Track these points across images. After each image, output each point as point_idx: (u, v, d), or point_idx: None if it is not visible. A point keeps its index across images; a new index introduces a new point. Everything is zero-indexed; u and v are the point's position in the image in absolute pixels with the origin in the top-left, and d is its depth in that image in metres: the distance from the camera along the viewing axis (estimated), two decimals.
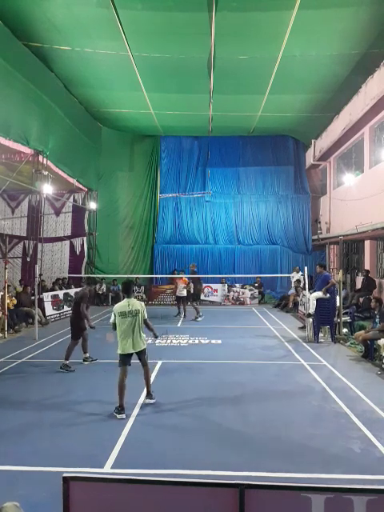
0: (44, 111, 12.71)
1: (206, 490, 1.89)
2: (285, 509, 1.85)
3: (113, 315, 5.71)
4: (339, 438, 4.68)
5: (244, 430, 4.93)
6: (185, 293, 13.61)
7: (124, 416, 5.33)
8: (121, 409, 5.39)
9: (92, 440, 4.64)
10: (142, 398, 5.94)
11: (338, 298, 10.39)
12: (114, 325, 5.69)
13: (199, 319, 13.28)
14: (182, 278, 13.81)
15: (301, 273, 15.66)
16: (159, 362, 7.89)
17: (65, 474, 1.87)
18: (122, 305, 5.71)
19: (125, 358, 5.62)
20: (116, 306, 5.77)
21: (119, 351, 5.64)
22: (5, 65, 10.31)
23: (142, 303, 5.91)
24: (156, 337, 6.24)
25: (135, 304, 5.74)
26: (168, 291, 17.46)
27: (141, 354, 5.76)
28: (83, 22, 10.34)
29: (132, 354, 5.66)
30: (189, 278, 13.78)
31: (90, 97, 15.30)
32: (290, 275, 16.45)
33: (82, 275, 17.39)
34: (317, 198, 20.22)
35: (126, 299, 5.80)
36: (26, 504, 1.61)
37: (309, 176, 20.46)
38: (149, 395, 5.91)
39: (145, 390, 6.01)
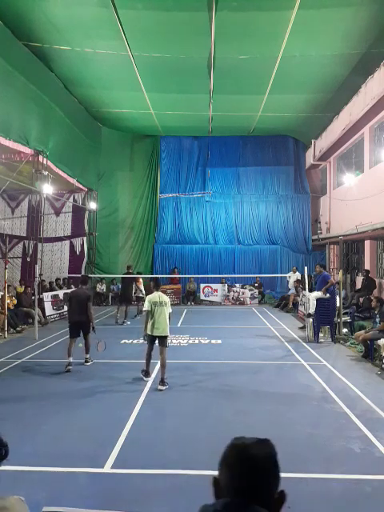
0: (44, 111, 12.70)
1: None
2: None
3: (147, 303, 6.73)
4: (339, 438, 4.68)
5: (244, 430, 4.89)
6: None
7: (150, 378, 6.71)
8: (146, 373, 6.78)
9: (92, 440, 4.63)
10: (143, 398, 5.95)
11: (337, 297, 10.39)
12: (148, 312, 6.68)
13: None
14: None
15: (297, 273, 15.70)
16: (159, 362, 7.87)
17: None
18: (153, 296, 6.80)
19: (151, 338, 6.73)
20: (149, 296, 6.87)
21: (148, 332, 6.70)
22: (5, 65, 10.30)
23: (167, 298, 6.98)
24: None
25: (164, 297, 6.87)
26: (168, 291, 17.48)
27: (162, 339, 6.69)
28: (83, 22, 10.33)
29: (156, 336, 6.66)
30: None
31: (90, 97, 15.29)
32: (287, 275, 16.46)
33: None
34: (317, 198, 20.23)
35: (156, 292, 6.89)
36: (26, 504, 1.61)
37: (309, 176, 20.46)
38: (162, 382, 6.46)
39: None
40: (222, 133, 19.55)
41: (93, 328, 7.89)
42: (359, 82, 12.77)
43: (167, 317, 6.70)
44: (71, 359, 7.52)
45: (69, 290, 14.91)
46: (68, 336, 8.13)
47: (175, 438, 4.69)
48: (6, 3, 9.66)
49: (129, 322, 12.48)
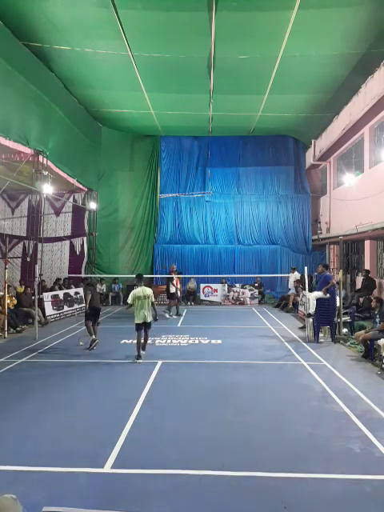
0: (44, 111, 12.70)
1: None
2: None
3: (131, 297, 8.08)
4: (339, 437, 4.68)
5: (244, 430, 4.93)
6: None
7: (141, 361, 7.91)
8: (138, 357, 8.00)
9: (92, 440, 4.63)
10: (143, 398, 5.95)
11: (337, 298, 10.39)
12: (130, 305, 8.14)
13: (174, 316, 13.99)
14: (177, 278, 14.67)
15: (296, 273, 15.72)
16: (159, 362, 7.89)
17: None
18: (137, 290, 8.14)
19: (138, 326, 8.13)
20: (133, 291, 8.16)
21: (135, 321, 8.11)
22: (5, 65, 10.30)
23: (151, 290, 8.26)
24: (155, 320, 8.45)
25: (146, 290, 8.17)
26: None
27: (147, 325, 8.22)
28: (83, 22, 10.33)
29: (143, 323, 8.11)
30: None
31: (90, 97, 15.29)
32: (287, 275, 16.46)
33: (82, 275, 17.39)
34: (317, 198, 20.24)
35: (140, 287, 8.18)
36: (26, 504, 1.59)
37: (309, 176, 20.46)
38: (143, 348, 8.25)
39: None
40: (222, 133, 19.55)
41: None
42: (359, 82, 12.77)
43: (148, 307, 8.13)
44: (94, 336, 9.12)
45: (70, 290, 14.99)
46: (68, 336, 8.21)
47: (175, 438, 4.69)
48: (5, 3, 9.66)
49: (171, 315, 13.85)
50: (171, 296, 14.20)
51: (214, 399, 6.00)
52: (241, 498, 3.53)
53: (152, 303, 8.24)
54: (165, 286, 17.47)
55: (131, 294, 8.18)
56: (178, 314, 14.25)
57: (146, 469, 3.99)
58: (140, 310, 8.07)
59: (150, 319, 8.19)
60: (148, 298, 8.12)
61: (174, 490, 3.64)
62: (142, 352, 8.19)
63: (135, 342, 8.21)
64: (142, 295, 8.08)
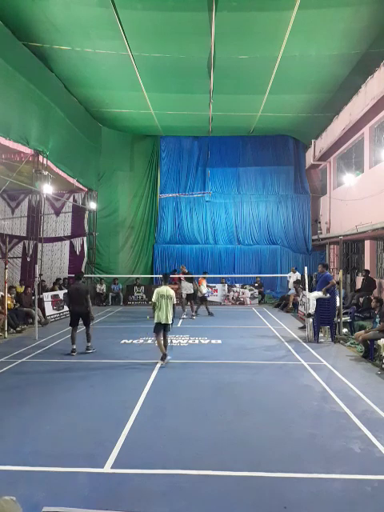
0: (44, 111, 12.70)
1: None
2: None
3: (155, 294, 7.83)
4: (339, 438, 4.68)
5: (244, 430, 4.92)
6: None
7: (170, 359, 7.80)
8: (164, 356, 7.72)
9: (92, 440, 4.63)
10: (143, 398, 5.95)
11: (337, 298, 10.39)
12: (154, 303, 7.82)
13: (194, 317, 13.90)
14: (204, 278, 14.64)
15: (297, 273, 15.74)
16: (159, 362, 7.88)
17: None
18: (161, 289, 7.93)
19: (158, 326, 7.87)
20: (157, 289, 7.95)
21: (155, 321, 7.85)
22: (5, 65, 10.30)
23: (173, 292, 8.04)
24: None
25: (170, 290, 7.97)
26: None
27: (166, 326, 7.91)
28: (83, 22, 10.34)
29: (162, 324, 7.81)
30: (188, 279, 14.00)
31: (90, 97, 15.30)
32: (287, 275, 16.48)
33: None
34: (317, 198, 20.25)
35: (164, 286, 8.01)
36: (26, 504, 1.58)
37: (309, 176, 20.47)
38: (164, 357, 7.75)
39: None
40: (222, 133, 19.57)
41: (92, 318, 8.83)
42: (359, 82, 12.78)
43: (171, 308, 7.91)
44: (75, 346, 8.50)
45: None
46: (68, 336, 8.20)
47: (175, 438, 4.69)
48: (6, 3, 9.67)
49: (186, 316, 13.74)
50: (202, 299, 14.36)
51: (214, 399, 5.99)
52: (241, 497, 3.53)
53: (173, 305, 8.06)
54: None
55: (155, 291, 7.92)
56: (196, 313, 14.20)
57: (145, 469, 3.99)
58: (163, 309, 7.83)
59: (170, 321, 7.90)
60: (170, 298, 7.90)
61: (174, 489, 3.64)
62: (162, 362, 7.78)
63: (156, 342, 8.00)
64: (166, 295, 7.86)
